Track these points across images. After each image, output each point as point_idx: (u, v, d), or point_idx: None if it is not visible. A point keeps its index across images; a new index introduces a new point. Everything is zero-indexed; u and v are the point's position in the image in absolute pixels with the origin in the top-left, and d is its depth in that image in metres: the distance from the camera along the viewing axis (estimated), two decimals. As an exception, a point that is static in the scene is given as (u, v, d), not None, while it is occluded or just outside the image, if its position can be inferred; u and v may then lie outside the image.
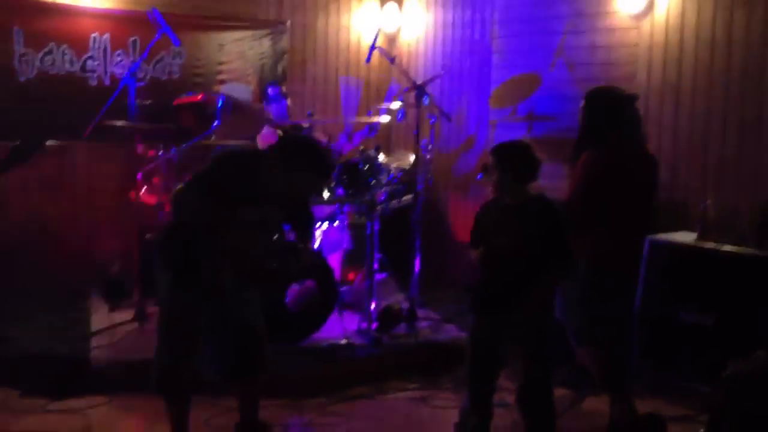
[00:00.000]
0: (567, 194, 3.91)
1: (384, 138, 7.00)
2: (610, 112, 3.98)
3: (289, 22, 6.79)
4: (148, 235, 5.35)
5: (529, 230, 3.54)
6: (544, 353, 3.61)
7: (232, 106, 5.16)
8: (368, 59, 5.83)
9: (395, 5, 7.21)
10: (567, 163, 4.14)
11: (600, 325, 3.92)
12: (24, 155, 3.35)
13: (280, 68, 6.73)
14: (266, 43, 6.68)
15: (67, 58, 5.84)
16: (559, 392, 3.87)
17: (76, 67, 5.88)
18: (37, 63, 5.74)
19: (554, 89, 5.88)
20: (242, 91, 6.49)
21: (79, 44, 5.87)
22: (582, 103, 4.07)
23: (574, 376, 4.38)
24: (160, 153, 5.17)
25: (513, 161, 3.61)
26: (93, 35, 5.92)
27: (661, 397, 4.37)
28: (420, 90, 5.39)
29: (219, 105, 5.12)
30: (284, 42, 6.76)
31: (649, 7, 5.26)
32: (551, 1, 5.95)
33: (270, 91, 5.94)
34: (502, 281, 3.61)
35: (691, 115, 5.09)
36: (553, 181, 4.25)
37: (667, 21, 5.19)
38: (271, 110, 5.86)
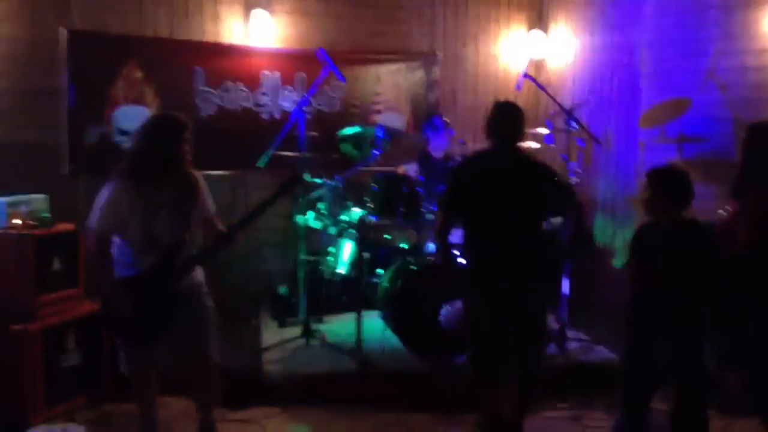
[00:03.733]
0: (740, 233, 3.99)
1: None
2: None
3: (440, 54, 7.13)
4: (312, 258, 5.78)
5: (685, 254, 3.67)
6: (700, 375, 3.70)
7: (391, 136, 5.50)
8: (519, 87, 6.05)
9: (541, 32, 7.39)
10: (732, 197, 4.24)
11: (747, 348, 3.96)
12: (290, 189, 3.95)
13: (432, 97, 7.08)
14: (419, 74, 7.04)
15: (242, 94, 6.42)
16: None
17: (250, 102, 6.46)
18: (216, 99, 6.34)
19: (705, 111, 5.87)
20: (397, 120, 6.87)
21: (252, 81, 6.44)
22: (744, 136, 4.17)
23: (723, 400, 4.38)
24: (326, 180, 5.60)
25: (669, 186, 3.75)
26: (264, 73, 6.47)
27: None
28: (569, 115, 5.55)
29: (379, 135, 5.47)
30: (436, 72, 7.11)
31: (804, 28, 5.22)
32: (700, 23, 5.96)
33: (435, 121, 6.14)
34: (658, 301, 3.75)
35: None
36: (703, 203, 4.32)
37: (824, 42, 5.13)
38: (434, 139, 6.08)
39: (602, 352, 5.37)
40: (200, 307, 3.92)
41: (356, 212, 5.46)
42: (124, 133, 5.96)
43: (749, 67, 5.60)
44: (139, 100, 6.05)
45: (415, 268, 5.17)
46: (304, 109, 5.64)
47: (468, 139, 6.39)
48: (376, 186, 5.33)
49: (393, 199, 5.23)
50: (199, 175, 3.91)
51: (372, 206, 5.29)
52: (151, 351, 3.83)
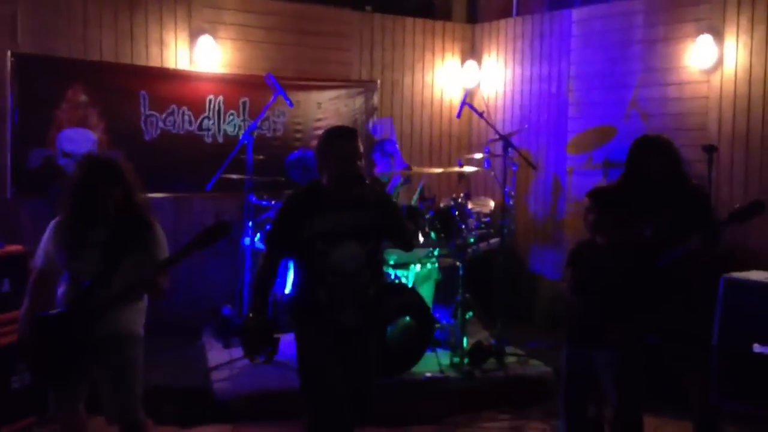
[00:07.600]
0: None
1: (464, 185, 7.47)
2: None
3: (378, 81, 7.39)
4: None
5: (622, 269, 3.94)
6: (636, 381, 3.96)
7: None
8: (459, 115, 6.36)
9: (474, 63, 7.74)
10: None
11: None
12: (217, 238, 3.62)
13: (371, 123, 7.32)
14: (359, 101, 7.28)
15: (186, 118, 6.51)
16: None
17: (194, 126, 6.55)
18: (160, 123, 6.42)
19: (629, 138, 6.24)
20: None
21: (197, 106, 6.53)
22: None
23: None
24: (273, 203, 5.74)
25: (612, 205, 4.02)
26: (209, 97, 6.57)
27: (739, 425, 4.70)
28: (506, 141, 5.85)
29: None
30: (375, 99, 7.36)
31: (719, 63, 5.67)
32: (624, 57, 6.40)
33: (387, 146, 6.41)
34: (595, 313, 4.01)
35: (761, 162, 5.45)
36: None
37: (735, 75, 5.59)
38: (381, 164, 6.35)
39: (537, 366, 5.64)
40: (121, 361, 3.61)
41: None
42: (67, 155, 5.97)
43: (670, 98, 6.04)
44: (83, 123, 6.06)
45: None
46: (251, 133, 5.79)
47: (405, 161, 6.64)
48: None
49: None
50: (157, 229, 3.61)
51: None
52: (71, 395, 3.66)
